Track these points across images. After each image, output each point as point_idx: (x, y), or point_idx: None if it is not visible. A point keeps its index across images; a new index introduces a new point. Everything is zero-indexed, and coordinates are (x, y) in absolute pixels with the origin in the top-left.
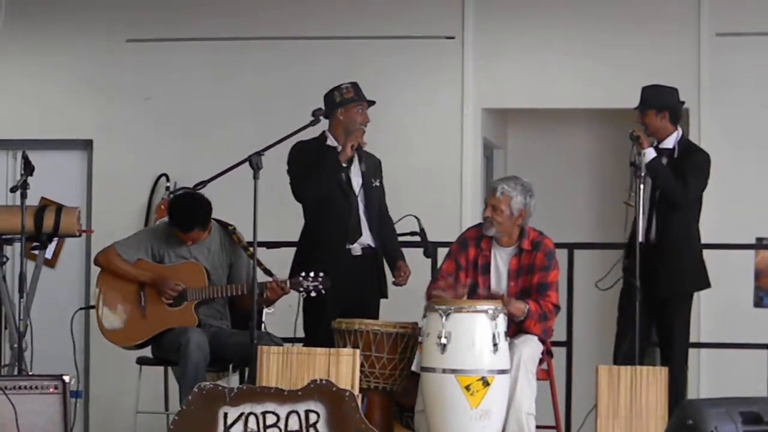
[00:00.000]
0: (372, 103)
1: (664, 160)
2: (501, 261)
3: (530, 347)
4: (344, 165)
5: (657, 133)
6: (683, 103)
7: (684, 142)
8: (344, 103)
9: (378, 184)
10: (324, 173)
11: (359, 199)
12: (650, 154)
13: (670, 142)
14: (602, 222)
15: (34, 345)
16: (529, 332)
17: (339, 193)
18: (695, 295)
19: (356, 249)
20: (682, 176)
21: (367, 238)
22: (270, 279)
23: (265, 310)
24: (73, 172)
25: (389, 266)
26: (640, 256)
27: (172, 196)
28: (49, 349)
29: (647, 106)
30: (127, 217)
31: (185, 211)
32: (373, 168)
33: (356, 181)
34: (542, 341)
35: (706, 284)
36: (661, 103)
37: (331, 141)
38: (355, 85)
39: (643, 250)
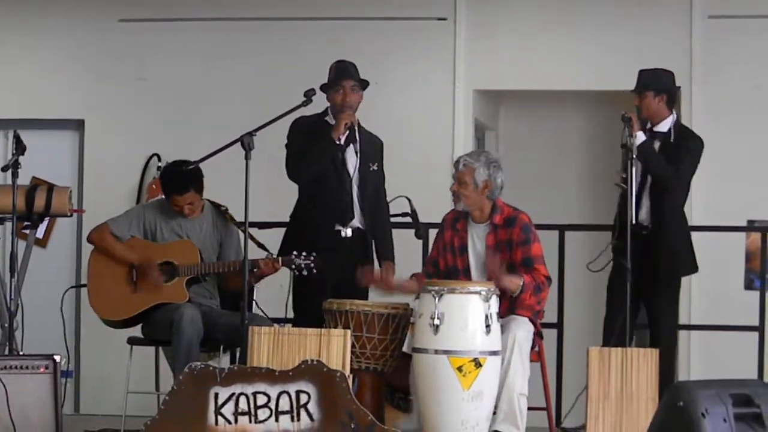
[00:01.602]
0: (363, 83)
1: (657, 144)
2: (477, 239)
3: (524, 329)
4: (338, 142)
5: (653, 117)
6: (679, 87)
7: (679, 127)
8: (326, 85)
9: (376, 168)
10: (317, 150)
11: (354, 180)
12: (641, 137)
13: (665, 126)
14: (594, 204)
15: (24, 325)
16: (519, 314)
17: (333, 174)
18: (685, 277)
19: (346, 231)
20: (676, 160)
21: (357, 221)
22: (262, 255)
23: (255, 286)
24: (65, 151)
25: (378, 260)
26: (630, 237)
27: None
28: (40, 328)
29: (645, 87)
30: (119, 197)
31: (177, 174)
32: (372, 151)
33: (351, 162)
34: (532, 323)
35: (695, 268)
36: (660, 85)
37: (329, 118)
38: (338, 66)
39: (633, 231)
